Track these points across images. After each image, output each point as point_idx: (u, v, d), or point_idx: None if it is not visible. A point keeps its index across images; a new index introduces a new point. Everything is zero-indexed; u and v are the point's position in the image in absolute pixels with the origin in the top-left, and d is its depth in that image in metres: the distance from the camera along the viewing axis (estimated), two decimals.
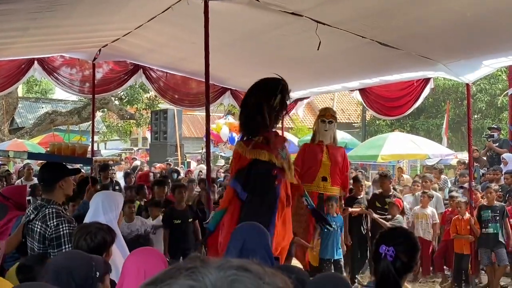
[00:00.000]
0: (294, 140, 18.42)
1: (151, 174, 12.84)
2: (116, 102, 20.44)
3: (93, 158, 9.32)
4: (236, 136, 17.59)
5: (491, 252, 7.54)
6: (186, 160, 19.31)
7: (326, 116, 7.26)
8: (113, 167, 14.52)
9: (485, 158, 11.71)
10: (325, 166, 7.02)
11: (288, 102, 5.08)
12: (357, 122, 26.92)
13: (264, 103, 4.87)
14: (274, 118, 4.94)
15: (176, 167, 14.49)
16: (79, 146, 4.51)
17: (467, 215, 7.67)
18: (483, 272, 8.16)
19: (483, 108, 22.96)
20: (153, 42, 7.63)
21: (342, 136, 19.98)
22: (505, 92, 14.92)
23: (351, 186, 8.07)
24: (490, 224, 7.60)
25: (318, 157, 7.04)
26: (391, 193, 8.03)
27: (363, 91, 8.95)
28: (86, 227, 3.20)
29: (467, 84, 7.78)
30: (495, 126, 13.37)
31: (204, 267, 0.74)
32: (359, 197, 7.99)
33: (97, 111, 20.51)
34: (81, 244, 3.05)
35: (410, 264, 2.60)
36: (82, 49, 8.24)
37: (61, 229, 3.54)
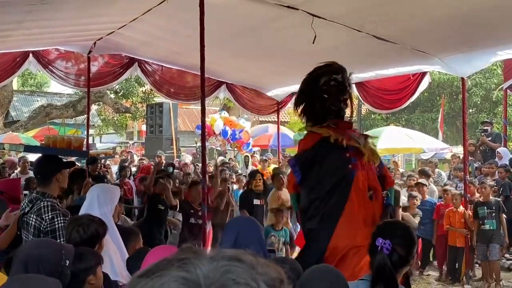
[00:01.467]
0: (290, 134, 18.45)
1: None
2: (112, 96, 20.38)
3: (90, 151, 9.31)
4: (230, 130, 17.52)
5: (487, 248, 7.58)
6: (181, 153, 19.28)
7: None
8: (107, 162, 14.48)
9: (478, 152, 11.75)
10: None
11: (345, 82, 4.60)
12: (353, 116, 26.93)
13: (311, 90, 4.57)
14: (332, 102, 4.50)
15: (171, 161, 14.45)
16: (75, 139, 4.51)
17: (461, 208, 7.71)
18: (477, 265, 8.21)
19: (478, 102, 22.99)
20: (148, 35, 7.61)
21: None
22: (500, 87, 14.98)
23: None
24: (486, 221, 7.64)
25: None
26: None
27: (359, 84, 8.96)
28: (78, 219, 3.20)
29: (462, 78, 7.80)
30: (488, 120, 13.43)
31: (196, 258, 0.74)
32: None
33: (92, 105, 20.44)
34: (74, 236, 3.05)
35: (406, 258, 2.59)
36: (77, 42, 8.21)
37: (56, 223, 3.53)
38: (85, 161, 9.97)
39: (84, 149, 7.29)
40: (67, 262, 2.54)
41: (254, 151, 17.25)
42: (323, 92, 4.48)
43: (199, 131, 18.10)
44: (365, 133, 5.12)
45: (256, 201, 7.47)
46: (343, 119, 4.65)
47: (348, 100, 4.63)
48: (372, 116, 24.24)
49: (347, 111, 4.71)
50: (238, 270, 0.73)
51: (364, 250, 4.01)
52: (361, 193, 4.24)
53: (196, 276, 0.71)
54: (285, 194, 7.87)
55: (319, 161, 4.33)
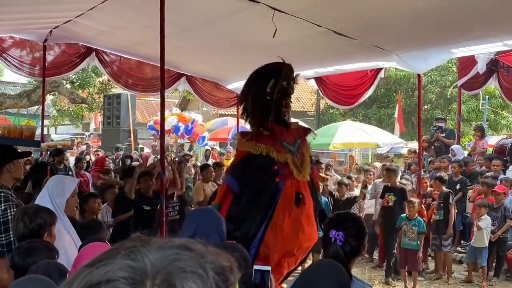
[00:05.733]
0: (249, 127, 18.47)
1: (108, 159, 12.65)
2: (68, 86, 19.93)
3: (45, 143, 9.10)
4: (182, 126, 17.43)
5: (439, 239, 7.76)
6: (139, 146, 19.07)
7: None
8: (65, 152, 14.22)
9: (432, 148, 12.01)
10: None
11: (291, 85, 4.68)
12: (311, 111, 27.16)
13: (255, 92, 4.62)
14: (274, 106, 4.56)
15: (128, 153, 14.29)
16: (26, 128, 4.40)
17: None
18: (430, 258, 8.42)
19: (433, 99, 23.51)
20: (107, 24, 7.47)
21: None
22: (455, 84, 15.34)
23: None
24: (435, 211, 7.84)
25: None
26: (396, 185, 7.91)
27: (319, 79, 9.06)
28: (25, 209, 3.13)
29: (418, 75, 7.98)
30: (442, 117, 13.77)
31: (144, 247, 0.73)
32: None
33: (48, 95, 19.96)
34: (20, 226, 2.97)
35: (358, 248, 2.65)
36: (33, 30, 8.00)
37: (9, 214, 3.45)
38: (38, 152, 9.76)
39: (39, 139, 7.12)
40: None
41: (209, 147, 17.18)
42: (268, 95, 4.54)
43: (152, 131, 17.83)
44: (305, 127, 5.24)
45: None
46: (283, 121, 4.74)
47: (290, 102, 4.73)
48: (330, 111, 24.49)
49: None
50: (186, 258, 0.72)
51: (294, 258, 4.49)
52: (286, 202, 4.45)
53: (143, 264, 0.70)
54: (210, 187, 7.86)
55: (249, 176, 4.48)
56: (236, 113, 11.81)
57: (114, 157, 14.24)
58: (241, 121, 14.44)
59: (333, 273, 2.34)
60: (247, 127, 5.06)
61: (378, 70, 8.08)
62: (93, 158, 13.95)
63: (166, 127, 17.28)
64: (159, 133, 5.43)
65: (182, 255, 0.73)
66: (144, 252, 0.72)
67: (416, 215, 7.30)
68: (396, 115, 16.00)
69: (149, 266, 0.70)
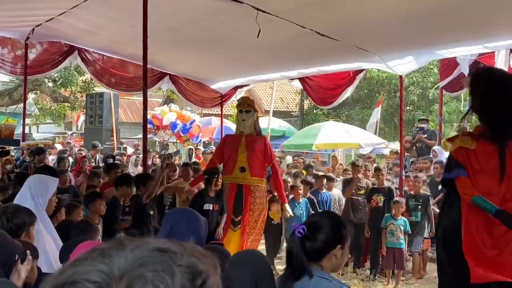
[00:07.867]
0: (233, 127, 18.48)
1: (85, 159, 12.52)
2: (50, 84, 19.76)
3: (25, 142, 9.01)
4: (180, 124, 17.32)
5: (415, 239, 7.78)
6: (122, 145, 18.94)
7: (242, 106, 7.24)
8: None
9: (414, 148, 12.10)
10: (242, 157, 6.98)
11: None
12: (295, 111, 27.24)
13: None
14: None
15: (110, 153, 14.15)
16: (5, 127, 4.38)
17: None
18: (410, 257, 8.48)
19: (415, 100, 23.69)
20: (90, 23, 7.43)
21: (280, 125, 20.23)
22: (436, 85, 15.48)
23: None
24: (413, 213, 7.85)
25: (236, 148, 7.00)
26: (384, 185, 8.00)
27: (302, 80, 9.11)
28: (4, 208, 3.10)
29: (401, 77, 8.04)
30: (425, 118, 13.88)
31: (118, 249, 0.73)
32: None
33: (30, 93, 19.76)
34: None
35: (325, 246, 2.45)
36: (15, 28, 7.93)
37: None
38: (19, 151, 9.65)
39: (19, 138, 7.03)
40: (17, 256, 2.49)
41: (192, 147, 17.11)
42: None
43: (149, 125, 17.86)
44: None
45: (208, 206, 6.56)
46: None
47: None
48: (314, 111, 24.57)
49: None
50: (155, 261, 0.72)
51: None
52: None
53: (111, 268, 0.71)
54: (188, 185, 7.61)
55: None
56: (220, 112, 11.78)
57: (90, 155, 13.97)
58: (225, 121, 14.38)
59: (247, 263, 2.26)
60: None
61: (360, 71, 8.16)
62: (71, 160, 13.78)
63: (164, 123, 17.25)
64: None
65: (152, 257, 0.73)
66: (117, 254, 0.73)
67: (400, 215, 7.38)
68: (378, 118, 16.03)
69: (116, 269, 0.71)
